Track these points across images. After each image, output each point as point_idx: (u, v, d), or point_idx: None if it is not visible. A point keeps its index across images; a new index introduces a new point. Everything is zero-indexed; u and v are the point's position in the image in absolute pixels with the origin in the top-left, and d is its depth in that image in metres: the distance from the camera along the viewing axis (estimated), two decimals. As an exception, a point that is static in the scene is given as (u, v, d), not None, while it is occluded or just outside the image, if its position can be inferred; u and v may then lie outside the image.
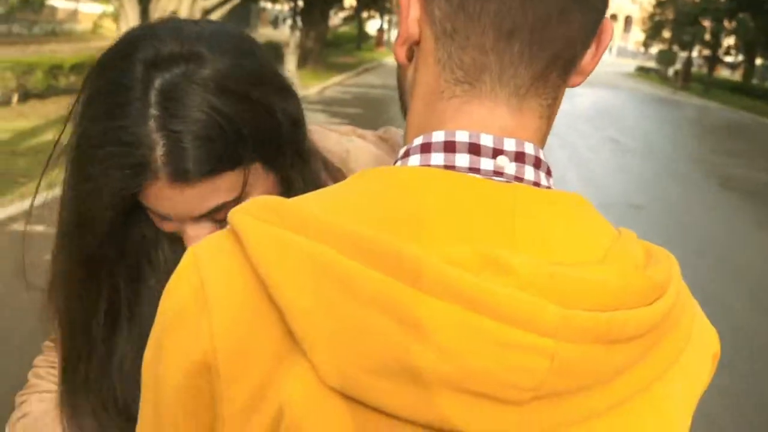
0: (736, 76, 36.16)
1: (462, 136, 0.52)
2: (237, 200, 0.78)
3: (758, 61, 33.07)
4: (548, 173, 0.54)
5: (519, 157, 0.52)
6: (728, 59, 35.59)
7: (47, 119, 8.20)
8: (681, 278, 0.54)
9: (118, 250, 0.83)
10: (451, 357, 0.44)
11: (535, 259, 0.47)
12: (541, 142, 0.55)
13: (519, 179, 0.52)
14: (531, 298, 0.44)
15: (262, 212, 0.49)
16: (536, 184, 0.53)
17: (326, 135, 0.96)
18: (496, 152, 0.52)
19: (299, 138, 0.83)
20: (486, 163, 0.51)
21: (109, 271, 0.84)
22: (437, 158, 0.52)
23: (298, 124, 0.82)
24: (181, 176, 0.74)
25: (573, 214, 0.53)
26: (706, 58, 33.55)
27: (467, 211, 0.49)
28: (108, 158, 0.74)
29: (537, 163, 0.53)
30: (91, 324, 0.86)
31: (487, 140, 0.52)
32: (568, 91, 0.57)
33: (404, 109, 0.61)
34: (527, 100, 0.53)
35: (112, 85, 0.75)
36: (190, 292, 0.50)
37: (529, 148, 0.52)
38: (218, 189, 0.77)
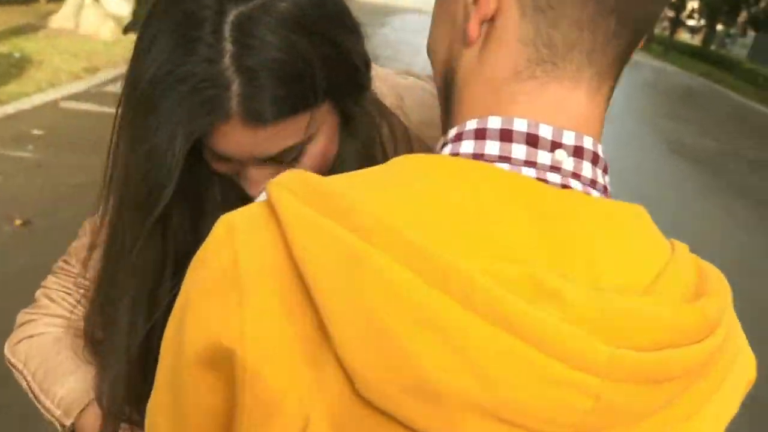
0: (696, 40, 36.54)
1: (520, 125, 0.49)
2: (305, 141, 0.76)
3: (719, 27, 33.44)
4: (605, 170, 0.52)
5: (578, 152, 0.50)
6: (691, 23, 35.88)
7: (-3, 29, 7.83)
8: (731, 304, 0.52)
9: (185, 202, 0.76)
10: (492, 385, 0.41)
11: (586, 287, 0.45)
12: (600, 133, 0.52)
13: (576, 176, 0.50)
14: (582, 334, 0.42)
15: (304, 192, 0.46)
16: (593, 181, 0.51)
17: (380, 71, 0.93)
18: (555, 145, 0.49)
19: (367, 80, 0.80)
20: (543, 157, 0.49)
21: (175, 230, 0.78)
22: (492, 147, 0.50)
23: (368, 66, 0.80)
24: (255, 117, 0.70)
25: (627, 230, 0.51)
26: (669, 19, 33.73)
27: (520, 222, 0.47)
28: (178, 97, 0.68)
29: (595, 159, 0.51)
30: (158, 287, 0.79)
31: (546, 132, 0.49)
32: None
33: (444, 84, 0.57)
34: (605, 81, 0.51)
35: (180, 18, 0.69)
36: (221, 267, 0.46)
37: (588, 143, 0.50)
38: (290, 130, 0.73)
